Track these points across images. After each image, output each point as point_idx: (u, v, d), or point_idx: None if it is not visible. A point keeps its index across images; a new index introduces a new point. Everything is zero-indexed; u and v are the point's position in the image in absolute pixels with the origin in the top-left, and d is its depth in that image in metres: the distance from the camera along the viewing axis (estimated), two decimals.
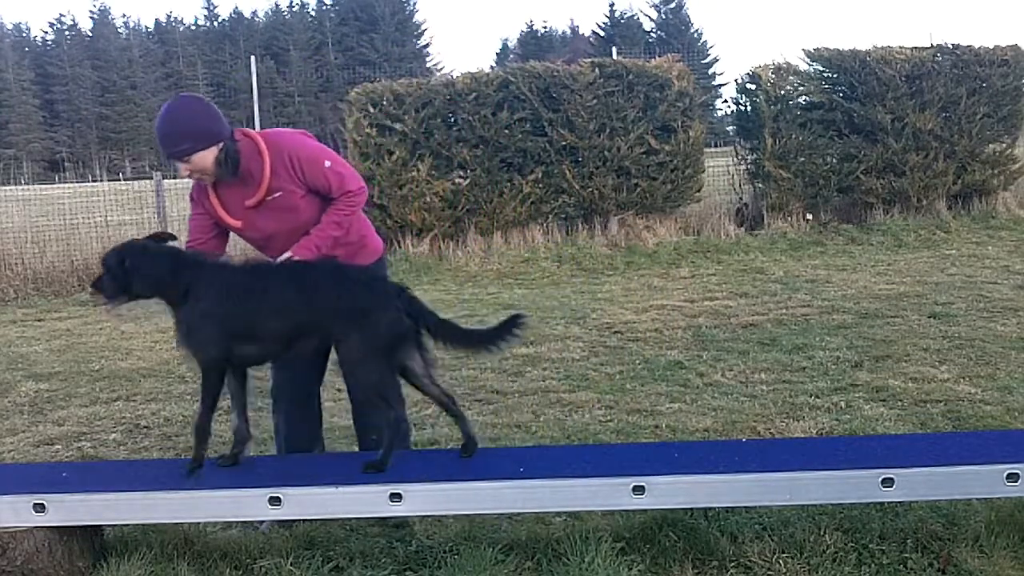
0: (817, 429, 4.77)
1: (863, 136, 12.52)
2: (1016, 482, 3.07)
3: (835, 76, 12.72)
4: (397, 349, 3.35)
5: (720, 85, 56.94)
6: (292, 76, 76.61)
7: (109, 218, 12.63)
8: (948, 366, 5.87)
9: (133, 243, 3.58)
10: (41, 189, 19.57)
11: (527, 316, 3.50)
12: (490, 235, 11.90)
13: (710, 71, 66.63)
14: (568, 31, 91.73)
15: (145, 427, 5.49)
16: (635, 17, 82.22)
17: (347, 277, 3.44)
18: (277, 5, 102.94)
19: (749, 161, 12.93)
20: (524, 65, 12.33)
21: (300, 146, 3.66)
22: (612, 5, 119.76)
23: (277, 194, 3.61)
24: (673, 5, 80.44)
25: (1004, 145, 13.28)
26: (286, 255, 3.61)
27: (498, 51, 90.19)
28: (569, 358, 6.65)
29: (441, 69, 77.93)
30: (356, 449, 4.55)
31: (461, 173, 11.83)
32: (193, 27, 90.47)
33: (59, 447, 5.19)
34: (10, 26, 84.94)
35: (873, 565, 3.21)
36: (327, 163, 3.65)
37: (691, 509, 3.45)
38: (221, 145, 3.54)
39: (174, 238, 3.62)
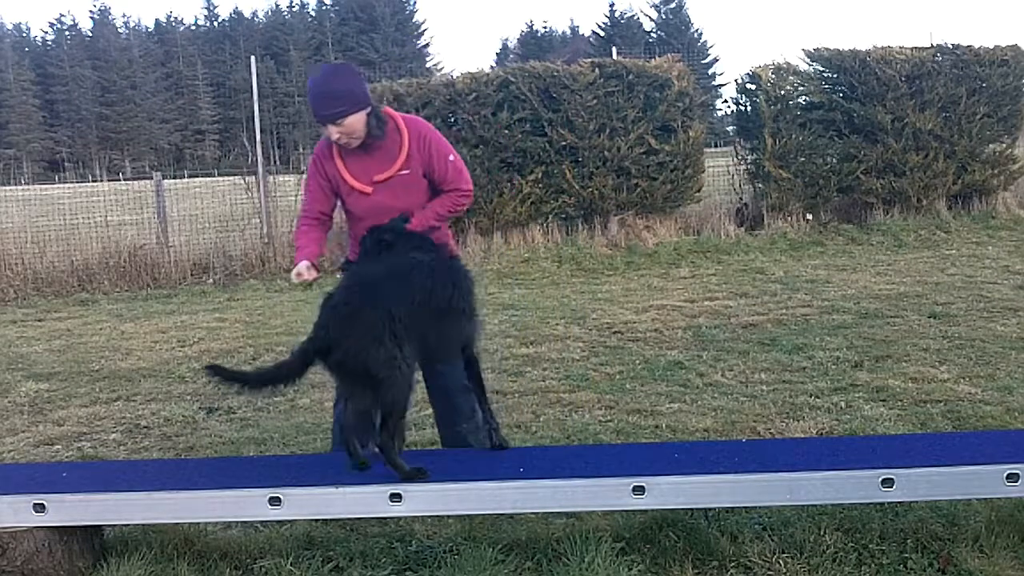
0: (817, 429, 4.77)
1: (863, 136, 12.51)
2: (1016, 482, 3.08)
3: (835, 76, 12.71)
4: None
5: (720, 85, 57.06)
6: (292, 76, 76.59)
7: (109, 218, 12.59)
8: (948, 366, 5.87)
9: None
10: (41, 189, 19.58)
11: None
12: (490, 235, 11.89)
13: (710, 71, 66.74)
14: (568, 31, 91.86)
15: (145, 427, 5.49)
16: (635, 17, 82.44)
17: None
18: (277, 5, 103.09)
19: (749, 161, 12.92)
20: (524, 65, 12.33)
21: (431, 131, 3.90)
22: (612, 5, 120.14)
23: (406, 172, 3.79)
24: (673, 5, 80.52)
25: (1004, 145, 13.27)
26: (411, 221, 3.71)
27: (498, 51, 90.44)
28: (569, 358, 6.65)
29: (441, 69, 78.09)
30: None
31: None
32: (193, 27, 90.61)
33: (59, 447, 5.19)
34: (10, 26, 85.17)
35: (873, 565, 3.21)
36: (451, 156, 3.89)
37: (691, 509, 3.45)
38: (370, 110, 3.73)
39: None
